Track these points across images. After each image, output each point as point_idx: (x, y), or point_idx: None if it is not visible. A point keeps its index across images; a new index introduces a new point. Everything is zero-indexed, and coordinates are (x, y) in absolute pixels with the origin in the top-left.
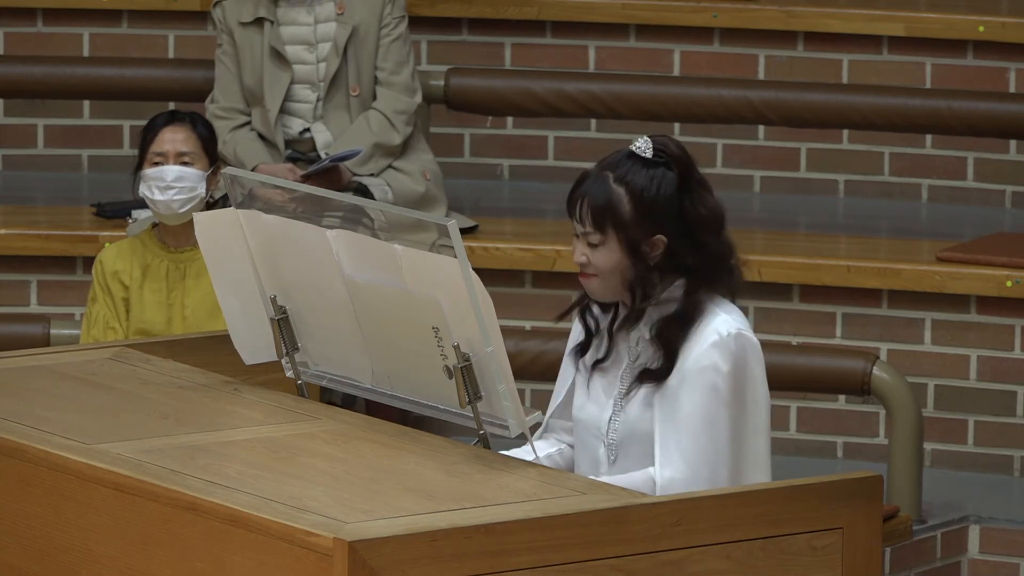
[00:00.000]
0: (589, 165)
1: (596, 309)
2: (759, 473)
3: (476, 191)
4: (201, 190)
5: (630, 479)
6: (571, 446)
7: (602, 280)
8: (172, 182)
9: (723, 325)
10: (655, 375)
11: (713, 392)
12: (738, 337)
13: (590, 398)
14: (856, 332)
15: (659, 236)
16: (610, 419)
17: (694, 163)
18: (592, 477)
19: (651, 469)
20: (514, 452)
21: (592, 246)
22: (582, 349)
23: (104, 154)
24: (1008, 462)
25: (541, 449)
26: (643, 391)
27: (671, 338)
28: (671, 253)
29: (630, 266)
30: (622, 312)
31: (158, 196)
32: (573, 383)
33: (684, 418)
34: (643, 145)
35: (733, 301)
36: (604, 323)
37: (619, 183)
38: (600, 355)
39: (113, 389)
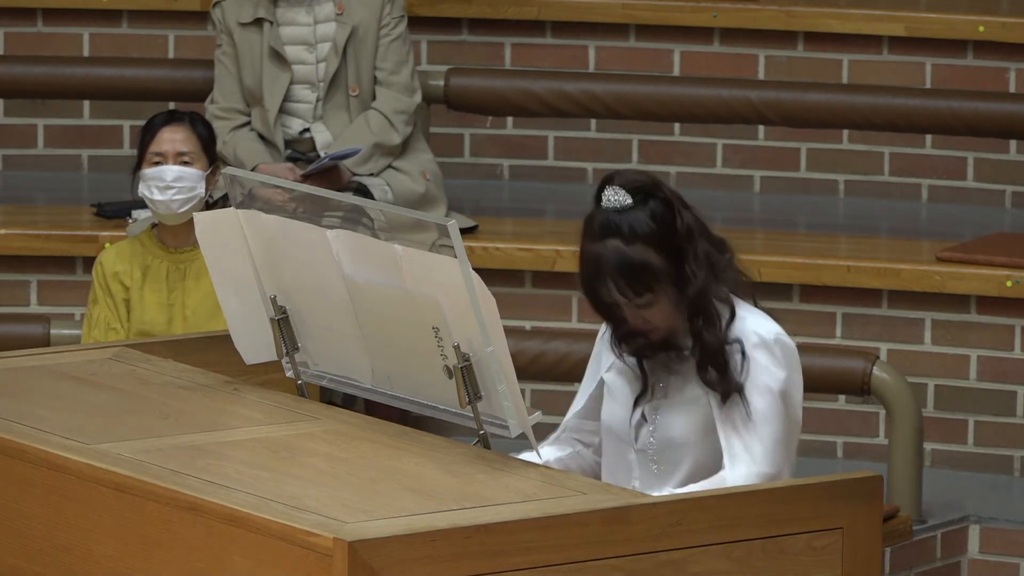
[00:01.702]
0: (589, 165)
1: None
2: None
3: (476, 191)
4: (200, 190)
5: (701, 486)
6: (587, 444)
7: (667, 329)
8: (171, 182)
9: (760, 328)
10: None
11: (770, 393)
12: (778, 342)
13: (615, 404)
14: (856, 332)
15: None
16: (642, 427)
17: (659, 180)
18: (668, 490)
19: (723, 473)
20: (524, 456)
21: (644, 308)
22: (615, 369)
23: (104, 154)
24: (1008, 462)
25: (551, 453)
26: (682, 398)
27: (719, 363)
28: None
29: (684, 301)
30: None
31: (157, 196)
32: (599, 387)
33: (748, 419)
34: (617, 195)
35: (756, 304)
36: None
37: (632, 243)
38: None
39: (113, 389)
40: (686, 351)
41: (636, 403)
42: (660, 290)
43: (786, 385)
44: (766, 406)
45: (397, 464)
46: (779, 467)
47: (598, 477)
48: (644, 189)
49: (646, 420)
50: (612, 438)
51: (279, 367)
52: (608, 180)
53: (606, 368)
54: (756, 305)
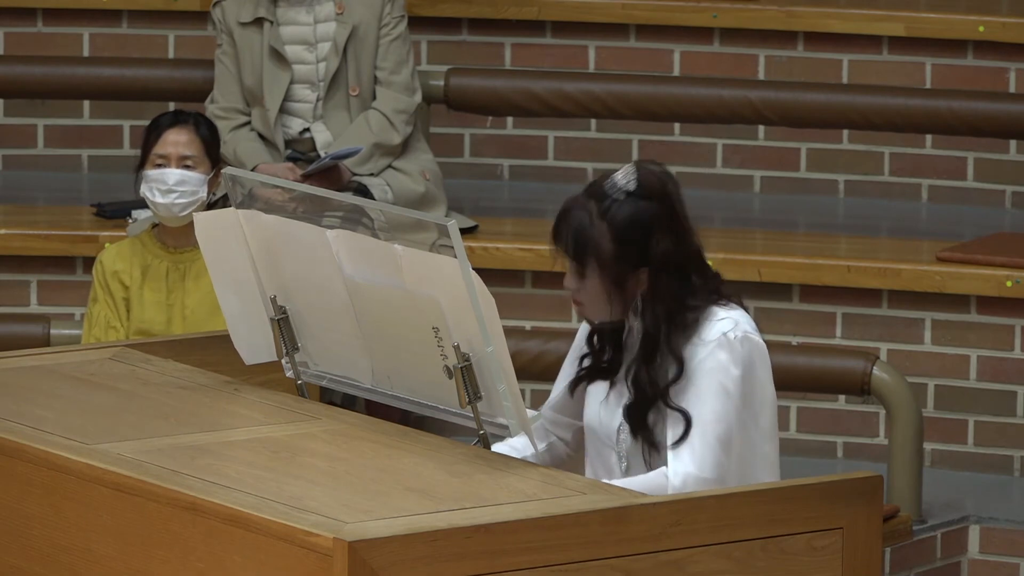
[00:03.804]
0: (589, 165)
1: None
2: (768, 478)
3: (476, 191)
4: (202, 193)
5: (642, 480)
6: (561, 439)
7: (590, 308)
8: (174, 185)
9: (727, 326)
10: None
11: (724, 394)
12: (744, 340)
13: (600, 406)
14: (856, 332)
15: (643, 269)
16: (619, 427)
17: (678, 195)
18: (605, 481)
19: (664, 469)
20: (499, 447)
21: (577, 276)
22: (590, 368)
23: (104, 154)
24: (1008, 462)
25: (528, 446)
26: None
27: (650, 378)
28: (654, 285)
29: (616, 298)
30: (628, 324)
31: (159, 199)
32: (570, 385)
33: (695, 419)
34: (626, 178)
35: (741, 304)
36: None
37: (601, 218)
38: (606, 367)
39: (113, 389)
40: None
41: (607, 394)
42: (595, 274)
43: (743, 384)
44: (720, 406)
45: (397, 464)
46: (724, 472)
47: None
48: (649, 189)
49: (625, 422)
50: (594, 439)
51: (279, 367)
52: (636, 162)
53: (579, 371)
54: (741, 304)
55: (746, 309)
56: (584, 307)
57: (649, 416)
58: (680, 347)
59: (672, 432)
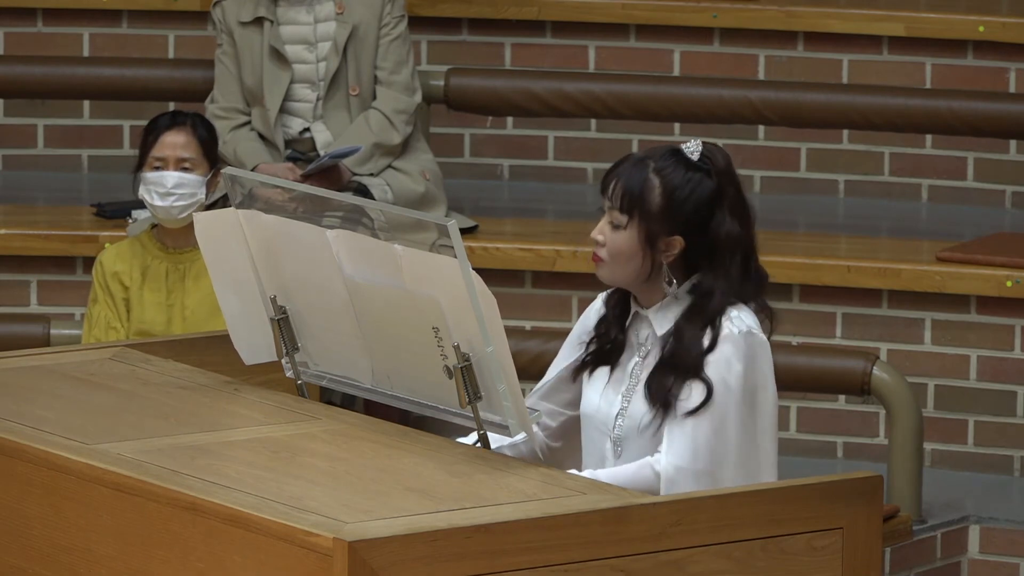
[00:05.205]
0: (589, 165)
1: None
2: (767, 475)
3: (476, 191)
4: (201, 195)
5: (626, 470)
6: (543, 428)
7: (611, 266)
8: (172, 188)
9: (732, 322)
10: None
11: (723, 388)
12: (748, 336)
13: (598, 394)
14: (856, 332)
15: (677, 237)
16: (617, 414)
17: (738, 182)
18: (589, 471)
19: (649, 458)
20: (464, 440)
21: (614, 227)
22: (596, 352)
23: (104, 154)
24: (1008, 462)
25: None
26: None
27: (690, 346)
28: (685, 257)
29: (642, 257)
30: (633, 309)
31: (158, 202)
32: (574, 370)
33: (693, 411)
34: (692, 147)
35: (747, 303)
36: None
37: (656, 174)
38: (610, 351)
39: (113, 389)
40: (659, 331)
41: (604, 362)
42: (634, 227)
43: (745, 380)
44: (717, 403)
45: (397, 464)
46: (718, 466)
47: (544, 459)
48: (714, 168)
49: (623, 409)
50: (589, 426)
51: (279, 367)
52: (707, 142)
53: (585, 356)
54: (767, 308)
55: (769, 313)
56: (604, 264)
57: (676, 383)
58: (718, 321)
59: (691, 401)
